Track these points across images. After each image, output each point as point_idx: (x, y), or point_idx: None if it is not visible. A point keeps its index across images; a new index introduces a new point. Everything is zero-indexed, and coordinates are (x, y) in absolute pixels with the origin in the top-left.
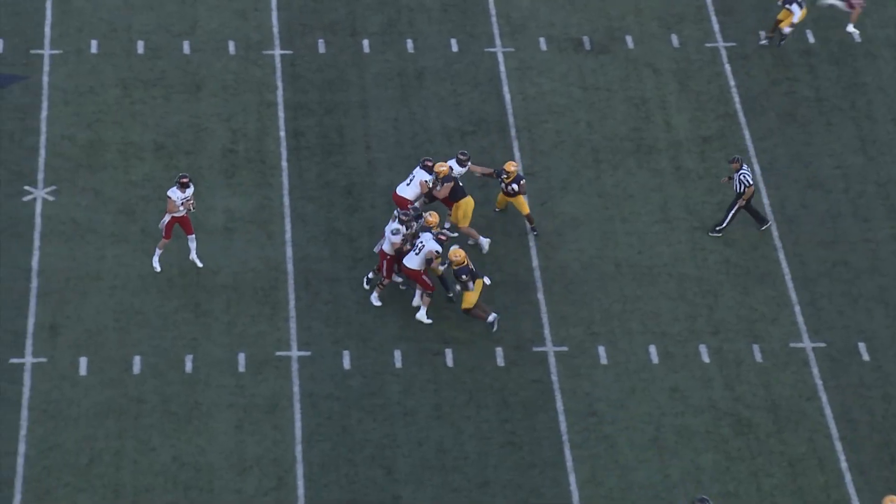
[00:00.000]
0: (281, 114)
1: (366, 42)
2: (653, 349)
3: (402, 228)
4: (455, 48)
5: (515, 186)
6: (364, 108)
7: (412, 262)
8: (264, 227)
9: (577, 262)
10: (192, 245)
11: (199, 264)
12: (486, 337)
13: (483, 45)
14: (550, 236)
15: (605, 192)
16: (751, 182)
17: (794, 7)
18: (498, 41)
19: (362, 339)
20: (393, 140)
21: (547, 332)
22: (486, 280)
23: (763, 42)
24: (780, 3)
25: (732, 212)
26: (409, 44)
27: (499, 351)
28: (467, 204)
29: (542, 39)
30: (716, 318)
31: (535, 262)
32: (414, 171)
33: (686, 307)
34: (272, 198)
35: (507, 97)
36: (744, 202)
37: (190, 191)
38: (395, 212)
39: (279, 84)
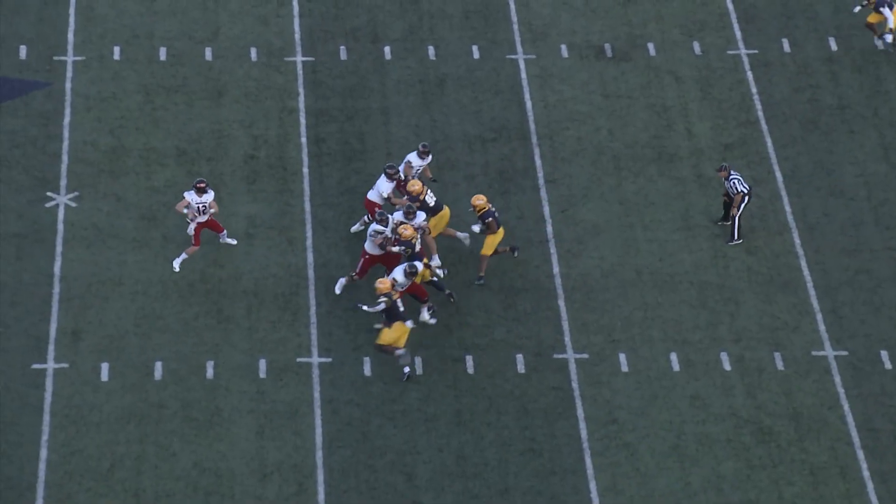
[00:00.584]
0: (302, 120)
1: (387, 49)
2: (674, 357)
3: (382, 228)
4: (476, 55)
5: (481, 223)
6: (385, 114)
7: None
8: (285, 234)
9: (598, 270)
10: (224, 233)
11: (233, 242)
12: (506, 344)
13: (504, 52)
14: (571, 244)
15: (626, 200)
16: (739, 189)
17: (886, 10)
18: (519, 48)
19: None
20: (414, 147)
21: (567, 339)
22: (409, 324)
23: (889, 45)
24: (865, 4)
25: (735, 221)
26: (431, 50)
27: (519, 358)
28: (441, 217)
29: (563, 47)
30: (737, 326)
31: (556, 269)
32: (379, 179)
33: (707, 315)
34: (293, 204)
35: (529, 104)
36: (736, 210)
37: (207, 196)
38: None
39: (301, 90)
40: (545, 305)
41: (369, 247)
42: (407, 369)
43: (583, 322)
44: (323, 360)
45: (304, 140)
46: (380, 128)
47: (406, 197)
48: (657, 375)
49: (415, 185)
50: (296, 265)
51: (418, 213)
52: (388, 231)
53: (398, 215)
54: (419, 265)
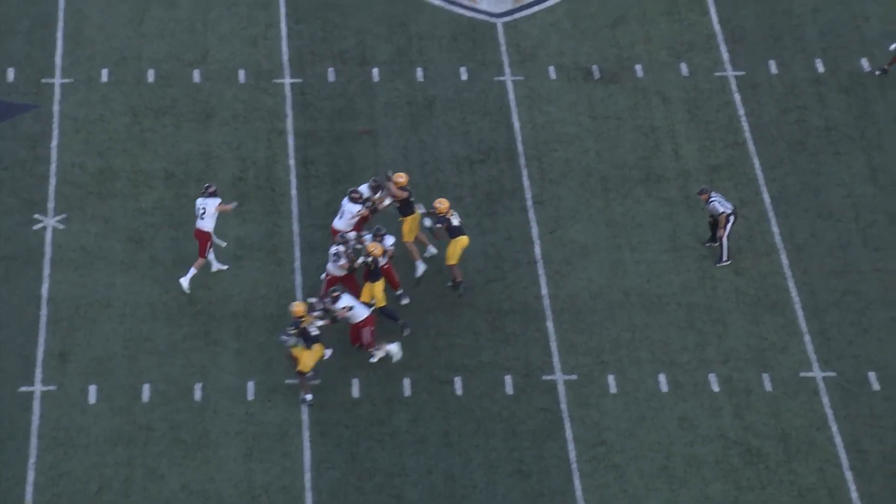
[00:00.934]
0: (291, 142)
1: (375, 71)
2: (662, 378)
3: (342, 249)
4: (465, 77)
5: (439, 225)
6: (374, 136)
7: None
8: (274, 255)
9: (587, 291)
10: (212, 255)
11: (225, 267)
12: (495, 365)
13: (493, 73)
14: (559, 265)
15: (614, 221)
16: (721, 210)
17: None
18: (507, 70)
19: (371, 367)
20: (402, 168)
21: (556, 360)
22: (328, 353)
23: (877, 72)
24: None
25: (723, 241)
26: (419, 72)
27: (508, 379)
28: (413, 220)
29: (551, 68)
30: (725, 347)
31: (544, 291)
32: (343, 204)
33: (695, 336)
34: (281, 226)
35: (517, 126)
36: (722, 231)
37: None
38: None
39: (289, 112)
40: (533, 327)
41: (332, 268)
42: (309, 396)
43: (571, 343)
44: (311, 382)
45: (292, 162)
46: (368, 149)
47: (388, 197)
48: (645, 397)
49: (400, 177)
50: (284, 287)
51: (386, 236)
52: (349, 248)
53: (367, 238)
54: (316, 303)
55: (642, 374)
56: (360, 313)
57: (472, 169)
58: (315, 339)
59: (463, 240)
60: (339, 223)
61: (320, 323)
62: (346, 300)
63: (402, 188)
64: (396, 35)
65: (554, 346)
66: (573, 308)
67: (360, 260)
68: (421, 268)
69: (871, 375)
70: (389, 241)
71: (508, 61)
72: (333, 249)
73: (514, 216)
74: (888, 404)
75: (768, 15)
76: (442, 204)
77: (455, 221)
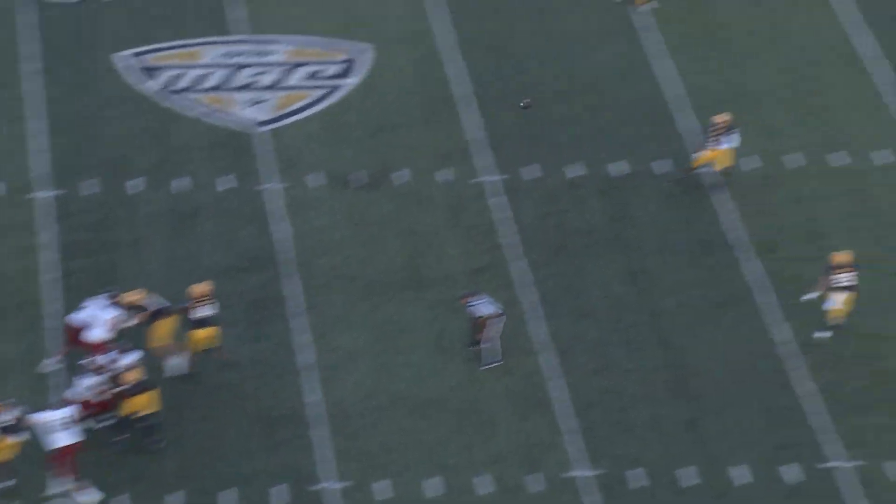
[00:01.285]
0: (50, 255)
1: (137, 181)
2: (434, 481)
3: (95, 381)
4: (227, 185)
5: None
6: (137, 246)
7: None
8: (32, 372)
9: (354, 396)
10: None
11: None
12: (267, 473)
13: (255, 182)
14: (328, 371)
15: (380, 325)
16: (484, 313)
17: (734, 137)
18: (271, 178)
19: (140, 480)
20: (166, 278)
21: (327, 467)
22: (14, 438)
23: (679, 176)
24: (710, 131)
25: (489, 344)
26: (180, 182)
27: (279, 490)
28: (164, 325)
29: (314, 176)
30: (494, 448)
31: (311, 398)
32: (93, 313)
33: (464, 437)
34: (41, 341)
35: (281, 233)
36: (483, 333)
37: None
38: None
39: (48, 225)
40: (301, 434)
41: (84, 393)
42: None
43: (342, 449)
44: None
45: (53, 275)
46: (132, 259)
47: (121, 314)
48: (417, 500)
49: (132, 295)
50: (43, 405)
51: (130, 353)
52: (103, 378)
53: (109, 357)
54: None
55: (414, 477)
56: (60, 440)
57: (237, 277)
58: (7, 430)
59: (198, 333)
60: (96, 334)
61: (9, 415)
62: (45, 416)
63: (136, 306)
64: (157, 146)
65: (324, 452)
66: (342, 413)
67: (119, 389)
68: (173, 368)
69: (636, 473)
70: (134, 355)
71: (271, 169)
72: (87, 382)
73: (281, 323)
74: (652, 501)
75: (528, 121)
76: (198, 288)
77: (200, 313)
